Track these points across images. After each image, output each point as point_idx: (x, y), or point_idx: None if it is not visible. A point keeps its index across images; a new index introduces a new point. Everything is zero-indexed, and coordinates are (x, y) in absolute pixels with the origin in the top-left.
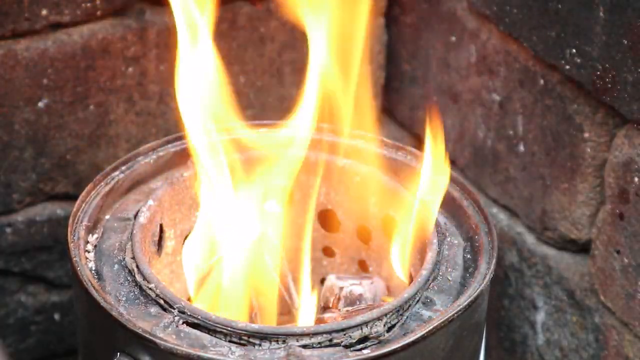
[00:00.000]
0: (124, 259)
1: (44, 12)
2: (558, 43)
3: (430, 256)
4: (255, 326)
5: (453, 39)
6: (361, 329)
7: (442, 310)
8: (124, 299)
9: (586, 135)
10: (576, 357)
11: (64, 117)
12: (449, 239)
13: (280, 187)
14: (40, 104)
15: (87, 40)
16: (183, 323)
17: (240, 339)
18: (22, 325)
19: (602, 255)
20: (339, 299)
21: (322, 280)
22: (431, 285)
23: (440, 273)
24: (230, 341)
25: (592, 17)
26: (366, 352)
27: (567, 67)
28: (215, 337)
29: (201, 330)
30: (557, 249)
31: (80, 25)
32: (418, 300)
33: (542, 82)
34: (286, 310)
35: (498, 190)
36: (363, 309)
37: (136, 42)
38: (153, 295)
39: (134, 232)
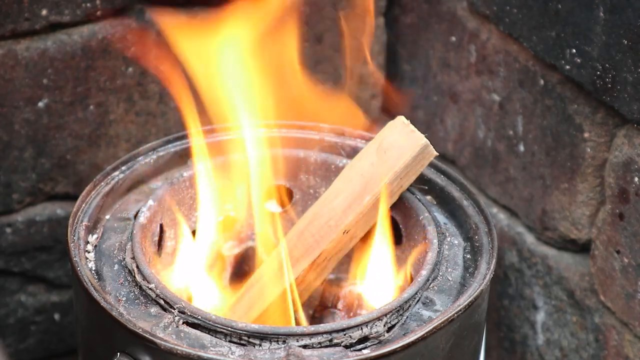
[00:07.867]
0: (124, 259)
1: (44, 12)
2: (558, 43)
3: (430, 256)
4: (255, 326)
5: (453, 39)
6: (361, 329)
7: (442, 311)
8: (124, 299)
9: (586, 135)
10: (576, 357)
11: (64, 117)
12: (449, 239)
13: (280, 187)
14: (40, 104)
15: (87, 40)
16: (183, 323)
17: (240, 339)
18: (22, 325)
19: (602, 255)
20: (338, 298)
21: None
22: (431, 285)
23: (440, 273)
24: (230, 341)
25: (592, 17)
26: (366, 352)
27: (567, 67)
28: (215, 337)
29: (201, 330)
30: (557, 249)
31: (80, 25)
32: (418, 300)
33: (542, 82)
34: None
35: (498, 190)
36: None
37: (136, 42)
38: (153, 295)
39: (134, 232)
